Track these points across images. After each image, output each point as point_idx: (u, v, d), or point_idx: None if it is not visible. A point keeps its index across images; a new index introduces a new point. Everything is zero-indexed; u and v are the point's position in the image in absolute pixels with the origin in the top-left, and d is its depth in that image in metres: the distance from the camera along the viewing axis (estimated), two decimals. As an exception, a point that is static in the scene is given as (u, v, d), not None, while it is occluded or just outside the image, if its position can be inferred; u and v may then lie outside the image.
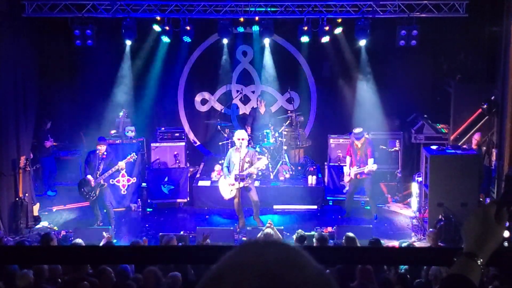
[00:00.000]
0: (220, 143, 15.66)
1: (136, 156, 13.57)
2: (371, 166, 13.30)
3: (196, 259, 2.51)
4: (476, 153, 13.26)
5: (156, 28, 14.73)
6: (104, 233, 11.04)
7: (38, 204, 13.68)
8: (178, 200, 14.67)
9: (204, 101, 17.18)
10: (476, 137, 13.68)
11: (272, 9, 14.34)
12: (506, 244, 1.98)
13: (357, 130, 13.50)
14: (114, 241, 11.72)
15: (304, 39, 15.05)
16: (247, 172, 12.71)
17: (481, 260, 1.91)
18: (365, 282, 7.70)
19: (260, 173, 14.40)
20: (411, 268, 8.25)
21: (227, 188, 12.82)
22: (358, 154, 13.52)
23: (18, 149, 13.19)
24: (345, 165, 13.88)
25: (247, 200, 13.08)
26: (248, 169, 12.70)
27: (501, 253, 1.96)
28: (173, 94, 16.88)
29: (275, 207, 14.42)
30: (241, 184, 12.68)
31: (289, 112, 15.89)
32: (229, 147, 14.46)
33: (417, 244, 11.93)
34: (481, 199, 12.67)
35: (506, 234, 1.98)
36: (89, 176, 12.72)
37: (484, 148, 13.90)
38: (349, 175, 13.65)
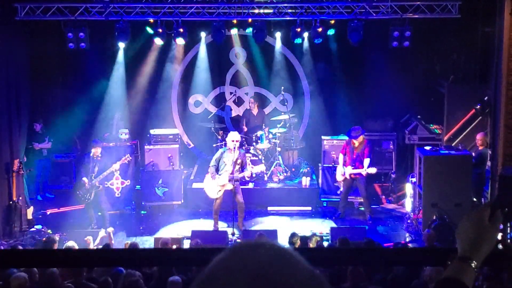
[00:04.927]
0: (214, 145, 15.66)
1: (130, 158, 13.56)
2: (370, 170, 13.30)
3: (189, 261, 2.51)
4: (481, 153, 13.24)
5: (149, 30, 14.72)
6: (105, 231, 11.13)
7: (31, 208, 13.66)
8: (172, 202, 14.65)
9: (197, 103, 17.18)
10: (478, 137, 13.56)
11: (265, 11, 14.34)
12: (500, 246, 1.98)
13: (354, 129, 13.53)
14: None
15: (297, 40, 15.10)
16: (242, 175, 12.71)
17: (475, 263, 1.91)
18: (357, 283, 7.70)
19: (254, 175, 14.40)
20: (408, 269, 8.24)
21: (215, 188, 12.76)
22: (355, 153, 13.52)
23: (11, 152, 13.16)
24: (338, 164, 13.89)
25: (228, 203, 13.01)
26: (243, 173, 12.70)
27: (495, 255, 1.95)
28: (166, 96, 16.87)
29: (269, 208, 14.42)
30: (229, 187, 12.67)
31: (283, 113, 15.90)
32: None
33: (411, 245, 11.96)
34: (475, 200, 12.69)
35: (500, 236, 1.98)
36: (84, 179, 12.72)
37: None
38: (343, 174, 13.65)
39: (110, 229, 11.51)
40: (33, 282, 7.72)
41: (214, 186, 12.78)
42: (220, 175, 12.72)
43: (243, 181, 13.68)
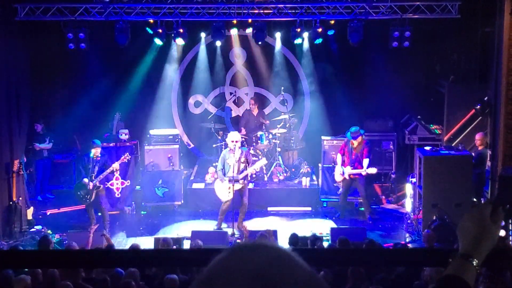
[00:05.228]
0: (214, 145, 15.68)
1: (129, 157, 13.56)
2: (370, 170, 13.30)
3: (190, 261, 2.51)
4: (480, 153, 13.25)
5: (149, 30, 14.73)
6: (104, 232, 11.14)
7: (31, 208, 13.66)
8: (172, 203, 14.64)
9: (197, 104, 17.18)
10: (478, 137, 13.57)
11: (265, 11, 14.34)
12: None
13: (353, 129, 13.52)
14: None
15: (297, 41, 15.12)
16: (244, 175, 12.71)
17: (477, 261, 1.90)
18: (358, 283, 7.70)
19: (254, 175, 14.41)
20: (409, 270, 8.23)
21: (225, 191, 12.77)
22: (354, 153, 13.52)
23: (11, 152, 13.16)
24: (337, 164, 13.88)
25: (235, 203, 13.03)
26: (246, 171, 12.70)
27: (495, 254, 1.95)
28: (166, 97, 16.87)
29: (269, 209, 14.43)
30: (238, 186, 12.68)
31: (282, 114, 15.91)
32: (223, 149, 14.46)
33: (411, 246, 11.95)
34: (475, 200, 12.68)
35: (502, 233, 1.97)
36: (85, 179, 12.71)
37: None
38: (343, 174, 13.65)
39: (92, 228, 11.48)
40: (36, 283, 7.71)
41: (224, 188, 12.77)
42: (227, 177, 12.73)
43: (250, 181, 13.70)
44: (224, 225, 13.25)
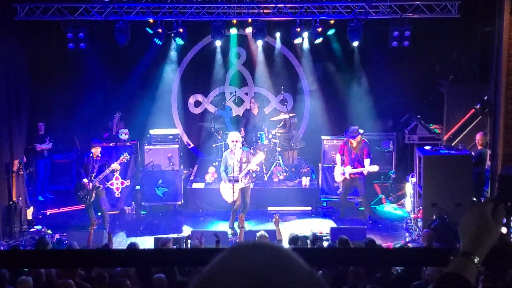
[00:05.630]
0: (214, 145, 15.67)
1: (128, 156, 13.55)
2: (372, 167, 13.30)
3: (190, 261, 2.52)
4: (480, 152, 13.25)
5: (149, 30, 14.72)
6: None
7: (31, 208, 13.65)
8: (172, 203, 14.64)
9: (197, 103, 17.19)
10: (478, 137, 13.57)
11: (265, 11, 14.33)
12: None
13: (352, 128, 13.52)
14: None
15: (297, 40, 15.12)
16: (245, 172, 12.70)
17: (478, 258, 1.89)
18: (357, 283, 7.70)
19: (254, 175, 14.41)
20: (409, 269, 8.23)
21: (230, 192, 12.76)
22: (353, 153, 13.52)
23: (11, 152, 13.15)
24: (337, 164, 13.88)
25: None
26: (247, 168, 12.69)
27: (496, 253, 1.94)
28: (166, 97, 16.86)
29: (269, 208, 14.42)
30: (241, 185, 12.68)
31: (282, 113, 15.91)
32: (223, 149, 14.47)
33: (411, 245, 11.95)
34: (474, 199, 12.67)
35: (503, 231, 1.97)
36: (85, 180, 12.71)
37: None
38: (343, 174, 13.65)
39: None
40: (40, 283, 7.71)
41: (229, 190, 12.76)
42: (229, 177, 12.72)
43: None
44: (224, 224, 13.25)
